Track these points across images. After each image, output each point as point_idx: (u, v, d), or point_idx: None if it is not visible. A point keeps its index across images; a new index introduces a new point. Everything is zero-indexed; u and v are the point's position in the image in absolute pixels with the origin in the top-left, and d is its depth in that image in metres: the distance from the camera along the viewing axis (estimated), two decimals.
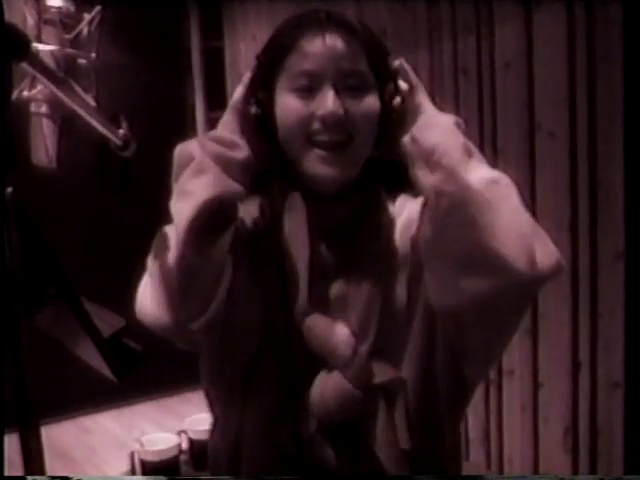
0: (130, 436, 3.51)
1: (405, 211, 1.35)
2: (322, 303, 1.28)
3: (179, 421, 4.08)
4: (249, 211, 1.37)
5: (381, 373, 1.25)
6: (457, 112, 3.14)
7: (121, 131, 2.32)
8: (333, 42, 1.25)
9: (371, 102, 1.27)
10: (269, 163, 1.36)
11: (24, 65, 1.35)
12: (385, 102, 1.29)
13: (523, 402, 2.96)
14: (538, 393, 2.91)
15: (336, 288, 1.30)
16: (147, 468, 2.64)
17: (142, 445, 2.66)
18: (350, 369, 1.24)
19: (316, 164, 1.27)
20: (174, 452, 2.68)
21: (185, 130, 4.90)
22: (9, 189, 1.06)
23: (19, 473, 1.22)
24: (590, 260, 2.69)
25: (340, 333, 1.25)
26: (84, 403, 4.49)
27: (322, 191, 1.32)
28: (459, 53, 3.14)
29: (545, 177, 2.82)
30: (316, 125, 1.25)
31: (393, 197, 1.38)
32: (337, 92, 1.24)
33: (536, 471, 2.94)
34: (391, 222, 1.35)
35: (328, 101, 1.23)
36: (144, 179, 3.00)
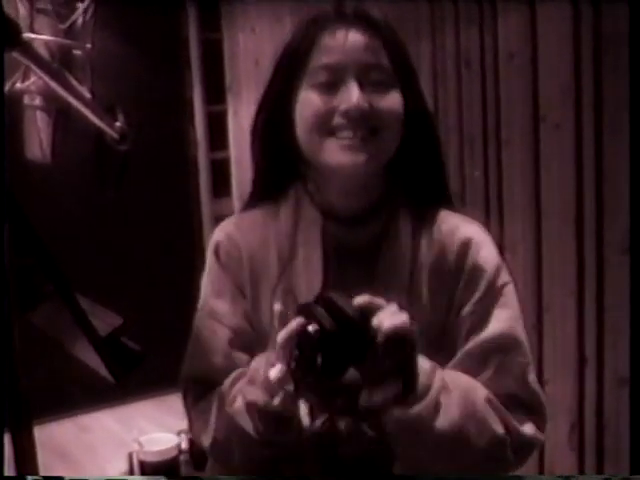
0: (129, 434, 3.48)
1: (429, 244, 1.31)
2: None
3: (179, 419, 4.06)
4: (264, 237, 1.36)
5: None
6: (460, 104, 3.11)
7: (118, 124, 2.29)
8: (354, 35, 1.21)
9: (395, 97, 1.23)
10: (288, 173, 1.35)
11: (17, 55, 1.31)
12: (407, 101, 1.25)
13: None
14: (544, 389, 2.87)
15: None
16: (146, 469, 2.61)
17: (141, 445, 2.62)
18: None
19: (338, 152, 1.21)
20: (174, 452, 2.65)
21: (183, 123, 4.87)
22: None
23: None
24: (596, 253, 2.65)
25: None
26: (82, 401, 4.46)
27: (341, 212, 1.29)
28: (462, 44, 3.09)
29: (550, 170, 2.78)
30: (338, 120, 1.21)
31: (426, 211, 1.34)
32: (361, 86, 1.20)
33: (541, 468, 2.91)
34: (414, 252, 1.30)
35: (352, 94, 1.19)
36: (141, 172, 2.96)
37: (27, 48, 1.35)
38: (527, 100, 2.83)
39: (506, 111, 2.94)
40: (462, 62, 3.11)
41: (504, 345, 1.28)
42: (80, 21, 2.22)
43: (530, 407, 1.31)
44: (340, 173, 1.24)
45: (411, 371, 1.10)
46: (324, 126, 1.21)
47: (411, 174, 1.32)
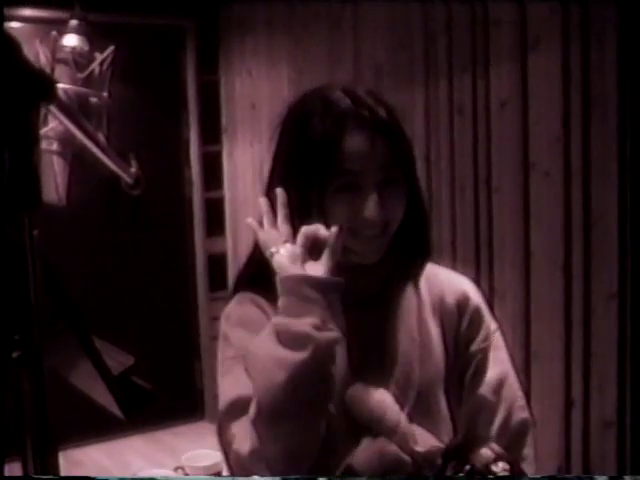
0: (122, 470, 3.49)
1: (429, 288, 1.46)
2: (361, 371, 1.33)
3: (169, 454, 4.08)
4: None
5: (422, 440, 1.29)
6: (452, 151, 3.17)
7: (132, 169, 2.34)
8: (376, 143, 1.32)
9: (402, 192, 1.36)
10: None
11: (51, 107, 1.37)
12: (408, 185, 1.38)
13: None
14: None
15: (373, 355, 1.37)
16: None
17: None
18: (396, 435, 1.28)
19: (356, 245, 1.34)
20: None
21: (179, 163, 4.92)
22: (35, 231, 1.07)
23: None
24: (583, 299, 2.71)
25: (386, 400, 1.30)
26: (73, 436, 4.45)
27: (355, 264, 1.39)
28: (455, 92, 3.17)
29: (540, 216, 2.85)
30: (360, 222, 1.32)
31: (421, 264, 1.49)
32: (378, 193, 1.31)
33: None
34: (417, 294, 1.44)
35: (372, 207, 1.31)
36: (149, 214, 3.00)
37: (60, 100, 1.41)
38: (517, 148, 2.91)
39: (497, 158, 3.01)
40: (455, 110, 3.18)
41: (504, 383, 1.42)
42: (97, 70, 2.28)
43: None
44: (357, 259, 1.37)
45: None
46: (349, 225, 1.32)
47: (405, 233, 1.43)
